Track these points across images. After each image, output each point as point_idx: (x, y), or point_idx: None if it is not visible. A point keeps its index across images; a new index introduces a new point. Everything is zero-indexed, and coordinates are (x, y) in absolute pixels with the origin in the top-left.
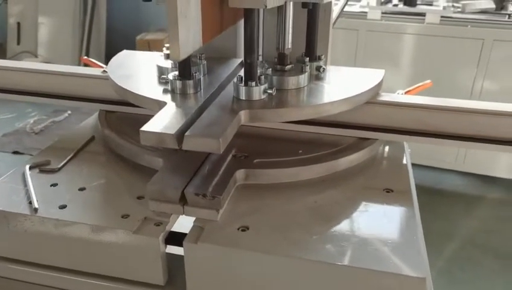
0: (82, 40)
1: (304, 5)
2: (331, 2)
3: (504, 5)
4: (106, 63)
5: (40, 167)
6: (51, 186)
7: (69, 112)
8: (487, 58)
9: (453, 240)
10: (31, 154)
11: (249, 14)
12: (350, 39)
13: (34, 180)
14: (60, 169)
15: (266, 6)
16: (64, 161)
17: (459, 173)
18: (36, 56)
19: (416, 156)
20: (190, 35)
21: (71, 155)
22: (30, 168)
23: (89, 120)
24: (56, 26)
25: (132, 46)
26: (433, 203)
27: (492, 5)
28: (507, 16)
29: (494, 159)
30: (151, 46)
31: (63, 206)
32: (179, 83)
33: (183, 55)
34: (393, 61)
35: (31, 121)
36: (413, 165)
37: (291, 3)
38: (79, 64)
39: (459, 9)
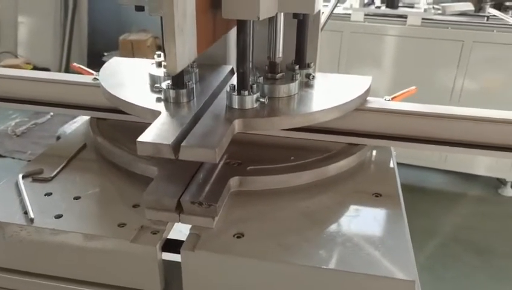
0: (63, 40)
1: (295, 15)
2: (319, 10)
3: (482, 6)
4: (89, 63)
5: (33, 176)
6: (45, 195)
7: (51, 113)
8: (467, 59)
9: (436, 237)
10: (13, 157)
11: (242, 25)
12: (334, 40)
13: (28, 189)
14: (53, 178)
15: (259, 18)
16: (57, 170)
17: (441, 171)
18: (16, 56)
19: (399, 155)
20: (186, 48)
21: (64, 163)
22: (23, 177)
23: (79, 127)
24: (36, 26)
25: (115, 47)
26: (416, 201)
27: (472, 7)
28: (486, 18)
29: (474, 158)
30: (135, 46)
31: (59, 216)
32: (172, 92)
33: (179, 68)
34: (376, 62)
35: (13, 123)
36: (396, 164)
37: (282, 13)
38: (61, 65)
39: (440, 12)
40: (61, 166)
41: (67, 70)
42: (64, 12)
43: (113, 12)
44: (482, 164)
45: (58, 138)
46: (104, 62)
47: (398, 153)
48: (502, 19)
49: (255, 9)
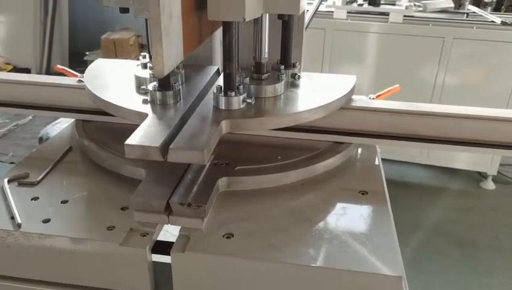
0: (44, 39)
1: (280, 16)
2: (304, 10)
3: (462, 2)
4: (71, 62)
5: (19, 180)
6: (31, 200)
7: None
8: (448, 55)
9: (420, 231)
10: None
11: (227, 27)
12: (317, 38)
13: (14, 194)
14: (39, 182)
15: (245, 19)
16: (44, 173)
17: (423, 166)
18: None
19: (382, 151)
20: (172, 51)
21: (50, 167)
22: (8, 181)
23: (65, 129)
24: (16, 25)
25: (97, 46)
26: (399, 196)
27: (452, 4)
28: (465, 15)
29: (455, 152)
30: (117, 45)
31: (46, 220)
32: (159, 94)
33: (166, 71)
34: (359, 58)
35: None
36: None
37: (267, 14)
38: (42, 65)
39: (421, 9)
40: (47, 169)
41: (49, 70)
42: (44, 11)
43: (95, 10)
44: (463, 158)
45: (41, 139)
46: (86, 61)
47: (380, 149)
48: (481, 15)
49: (241, 10)
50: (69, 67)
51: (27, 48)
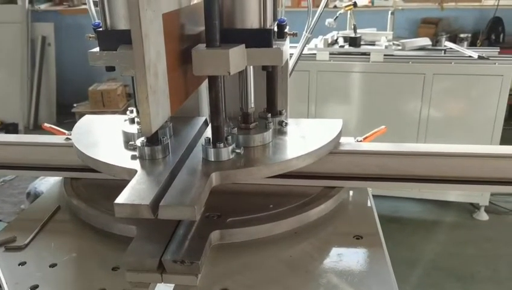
0: (31, 93)
1: (264, 67)
2: (287, 58)
3: (438, 39)
4: (58, 115)
5: (6, 245)
6: (19, 265)
7: None
8: (429, 90)
9: (417, 267)
10: None
11: (213, 81)
12: (302, 79)
13: (1, 260)
14: (27, 245)
15: (229, 73)
16: (31, 236)
17: (415, 200)
18: None
19: (373, 187)
20: (160, 109)
21: (37, 229)
22: None
23: (53, 186)
24: (3, 80)
25: (84, 97)
26: (394, 232)
27: (429, 42)
28: (443, 51)
29: None
30: (104, 95)
31: (34, 287)
32: (147, 149)
33: (154, 129)
34: (344, 98)
35: None
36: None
37: (251, 66)
38: (29, 119)
39: (400, 48)
40: (35, 232)
41: (36, 124)
42: (31, 65)
43: (82, 62)
44: (455, 190)
45: (28, 194)
46: (73, 113)
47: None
48: (458, 51)
49: (226, 65)
50: (57, 120)
51: (14, 102)
